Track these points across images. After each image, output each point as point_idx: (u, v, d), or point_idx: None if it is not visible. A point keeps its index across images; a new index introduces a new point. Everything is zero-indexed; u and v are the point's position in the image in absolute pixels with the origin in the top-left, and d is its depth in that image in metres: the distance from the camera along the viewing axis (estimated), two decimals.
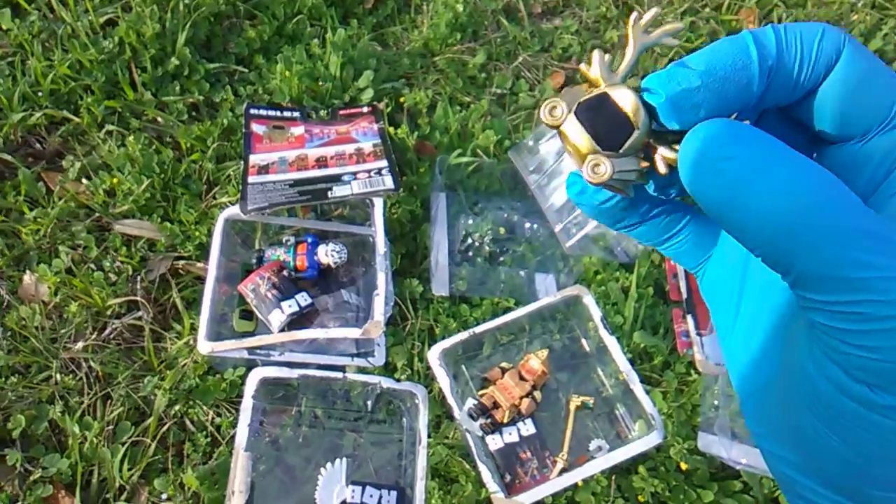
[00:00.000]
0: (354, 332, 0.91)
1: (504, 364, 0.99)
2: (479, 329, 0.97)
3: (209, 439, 0.90)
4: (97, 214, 1.01)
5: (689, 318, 1.05)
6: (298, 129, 1.12)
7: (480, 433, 0.93)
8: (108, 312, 0.96)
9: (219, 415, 0.92)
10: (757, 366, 0.24)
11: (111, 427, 0.89)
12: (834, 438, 0.20)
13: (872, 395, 0.19)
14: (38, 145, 1.06)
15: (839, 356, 0.19)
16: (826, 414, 0.20)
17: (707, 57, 0.21)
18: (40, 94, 1.06)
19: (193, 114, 1.13)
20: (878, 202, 0.22)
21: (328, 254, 0.99)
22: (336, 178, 1.03)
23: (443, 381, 0.94)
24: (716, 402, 0.97)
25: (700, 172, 0.21)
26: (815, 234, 0.18)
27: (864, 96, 0.21)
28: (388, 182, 1.02)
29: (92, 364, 0.92)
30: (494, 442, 0.94)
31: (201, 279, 0.98)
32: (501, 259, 1.10)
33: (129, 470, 0.87)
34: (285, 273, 0.99)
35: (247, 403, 0.88)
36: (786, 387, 0.22)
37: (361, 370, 0.95)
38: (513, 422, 0.95)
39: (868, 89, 0.21)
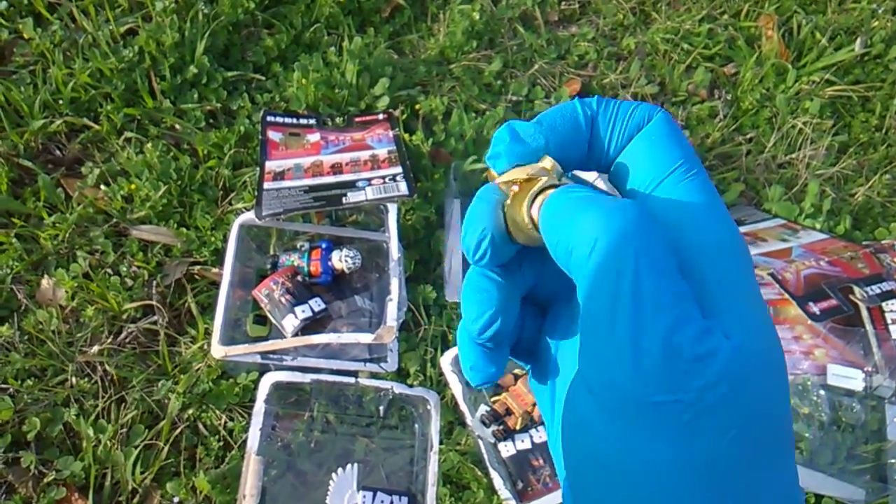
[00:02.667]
0: (367, 338, 0.91)
1: (517, 370, 0.98)
2: None
3: (221, 443, 0.91)
4: (115, 220, 1.02)
5: None
6: (314, 136, 1.12)
7: (493, 440, 0.92)
8: (124, 317, 0.97)
9: (231, 419, 0.92)
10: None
11: (125, 430, 0.90)
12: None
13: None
14: (57, 152, 1.08)
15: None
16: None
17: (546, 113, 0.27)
18: (61, 101, 1.08)
19: (211, 121, 1.14)
20: None
21: (342, 259, 0.99)
22: (351, 185, 1.03)
23: (455, 387, 0.94)
24: None
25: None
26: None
27: (661, 150, 0.25)
28: (403, 188, 1.02)
29: (107, 368, 0.92)
30: (507, 449, 0.93)
31: (216, 284, 0.98)
32: None
33: (142, 473, 0.87)
34: (299, 278, 0.99)
35: (259, 408, 0.88)
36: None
37: (374, 375, 0.94)
38: (525, 428, 0.94)
39: (666, 147, 0.25)
